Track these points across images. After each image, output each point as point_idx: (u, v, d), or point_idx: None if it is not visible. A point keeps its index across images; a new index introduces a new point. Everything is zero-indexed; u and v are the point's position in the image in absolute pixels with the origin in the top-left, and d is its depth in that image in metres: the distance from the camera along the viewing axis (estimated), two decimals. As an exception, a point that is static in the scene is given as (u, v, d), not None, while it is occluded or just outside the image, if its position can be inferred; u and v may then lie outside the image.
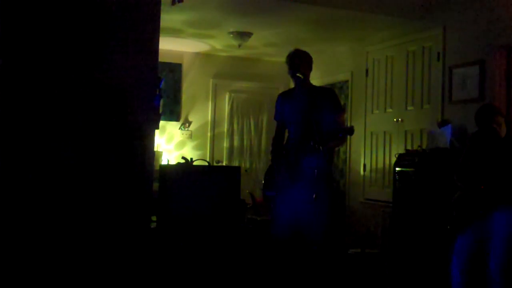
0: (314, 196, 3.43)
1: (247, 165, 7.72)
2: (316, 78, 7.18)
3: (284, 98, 4.04)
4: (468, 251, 3.70)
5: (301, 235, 3.75)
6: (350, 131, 3.45)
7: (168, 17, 5.46)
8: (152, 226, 4.05)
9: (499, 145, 3.71)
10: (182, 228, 4.29)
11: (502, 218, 3.61)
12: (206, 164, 5.83)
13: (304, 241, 3.72)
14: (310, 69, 3.89)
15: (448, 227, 3.83)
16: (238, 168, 4.90)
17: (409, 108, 5.84)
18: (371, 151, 6.38)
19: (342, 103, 6.99)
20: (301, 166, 3.64)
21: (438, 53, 5.44)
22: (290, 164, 3.71)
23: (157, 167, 4.53)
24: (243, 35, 6.30)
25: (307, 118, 3.69)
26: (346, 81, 6.96)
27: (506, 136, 3.83)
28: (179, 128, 7.52)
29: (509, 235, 3.58)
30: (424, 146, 5.26)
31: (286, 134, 4.09)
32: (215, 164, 7.37)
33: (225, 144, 7.80)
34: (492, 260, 3.60)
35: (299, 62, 3.80)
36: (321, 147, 3.51)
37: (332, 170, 4.03)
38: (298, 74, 3.77)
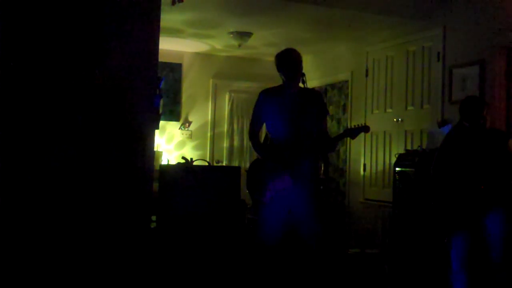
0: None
1: (247, 165, 7.71)
2: (316, 78, 7.21)
3: (270, 96, 3.76)
4: (466, 246, 3.70)
5: (296, 236, 3.71)
6: (366, 129, 3.67)
7: (168, 17, 5.46)
8: (152, 226, 4.05)
9: (485, 141, 3.70)
10: (182, 228, 4.29)
11: (496, 218, 3.62)
12: (206, 164, 5.84)
13: (301, 242, 3.68)
14: None
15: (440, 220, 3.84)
16: (238, 168, 4.91)
17: (409, 108, 5.84)
18: (371, 151, 6.38)
19: (342, 103, 7.06)
20: (299, 168, 3.60)
21: (438, 53, 5.43)
22: (288, 166, 3.59)
23: (157, 167, 4.53)
24: (243, 35, 6.30)
25: (301, 120, 3.63)
26: (346, 81, 6.95)
27: (489, 130, 3.79)
28: (179, 128, 7.52)
29: (505, 234, 3.60)
30: (424, 146, 5.26)
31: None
32: (215, 164, 7.37)
33: (225, 144, 7.80)
34: (493, 252, 3.62)
35: (300, 61, 3.67)
36: (316, 151, 3.59)
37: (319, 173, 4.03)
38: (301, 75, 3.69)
